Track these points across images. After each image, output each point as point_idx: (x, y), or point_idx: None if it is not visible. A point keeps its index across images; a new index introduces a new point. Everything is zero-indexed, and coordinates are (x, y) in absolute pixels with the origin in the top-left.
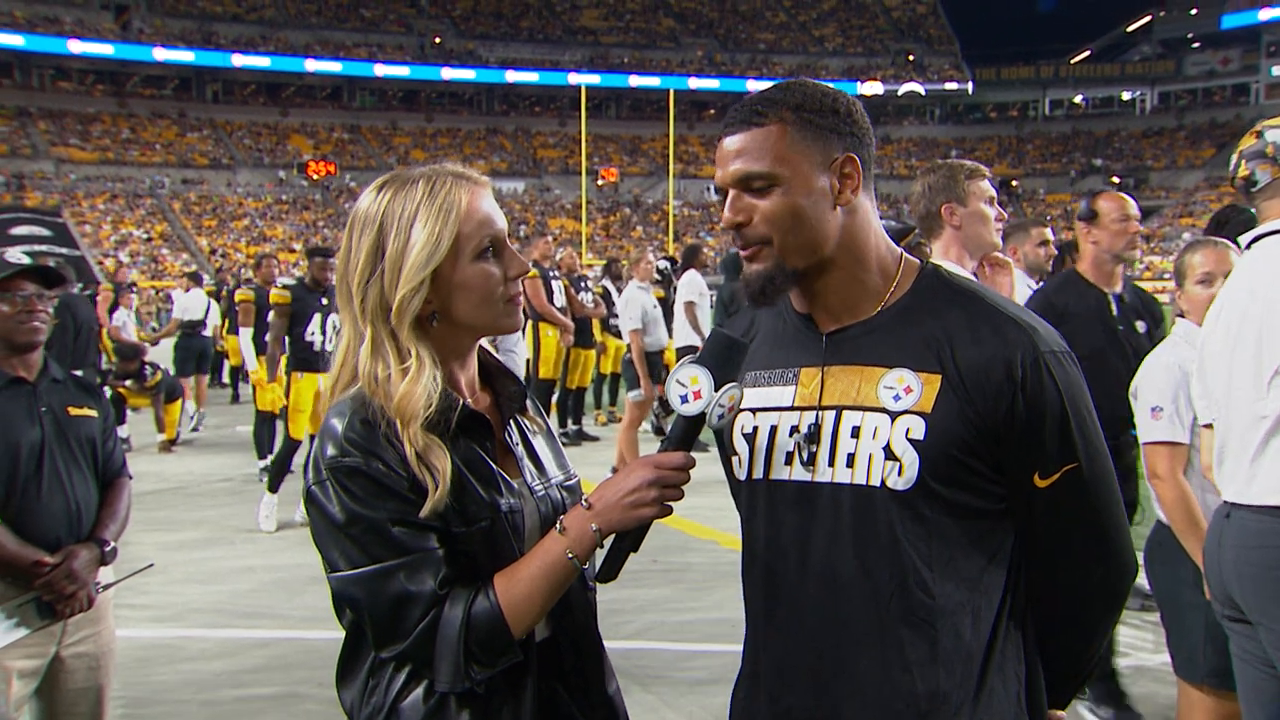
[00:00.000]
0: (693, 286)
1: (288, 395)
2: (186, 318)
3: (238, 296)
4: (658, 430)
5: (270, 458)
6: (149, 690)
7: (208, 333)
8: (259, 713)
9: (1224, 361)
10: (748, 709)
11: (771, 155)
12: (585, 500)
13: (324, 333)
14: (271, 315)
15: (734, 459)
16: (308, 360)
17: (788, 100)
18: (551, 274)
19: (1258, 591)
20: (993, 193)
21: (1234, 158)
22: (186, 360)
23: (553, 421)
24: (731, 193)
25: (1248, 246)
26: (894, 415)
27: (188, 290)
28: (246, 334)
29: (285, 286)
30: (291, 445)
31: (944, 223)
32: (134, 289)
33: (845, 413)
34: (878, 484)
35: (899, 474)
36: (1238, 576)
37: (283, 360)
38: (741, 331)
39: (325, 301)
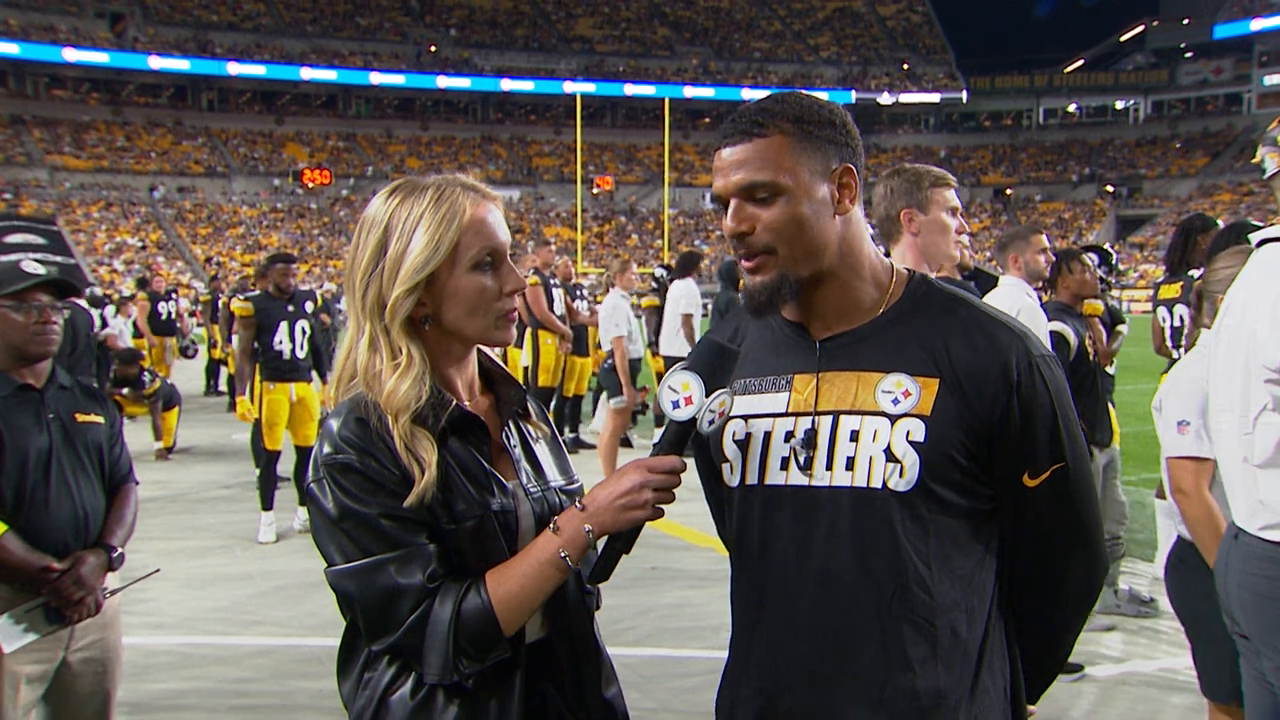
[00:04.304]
0: (692, 298)
1: (260, 408)
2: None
3: (233, 306)
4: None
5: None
6: (151, 697)
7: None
8: (261, 719)
9: (1221, 381)
10: (735, 709)
11: (775, 165)
12: (579, 502)
13: (293, 340)
14: (236, 327)
15: (725, 465)
16: (278, 370)
17: (787, 111)
18: (552, 281)
19: (1259, 618)
20: (957, 204)
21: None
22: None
23: None
24: (734, 202)
25: (1258, 246)
26: (893, 418)
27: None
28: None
29: (247, 297)
30: (271, 457)
31: (902, 229)
32: (133, 298)
33: (843, 417)
34: (879, 485)
35: (900, 475)
36: (1240, 601)
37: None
38: (727, 338)
39: (291, 309)
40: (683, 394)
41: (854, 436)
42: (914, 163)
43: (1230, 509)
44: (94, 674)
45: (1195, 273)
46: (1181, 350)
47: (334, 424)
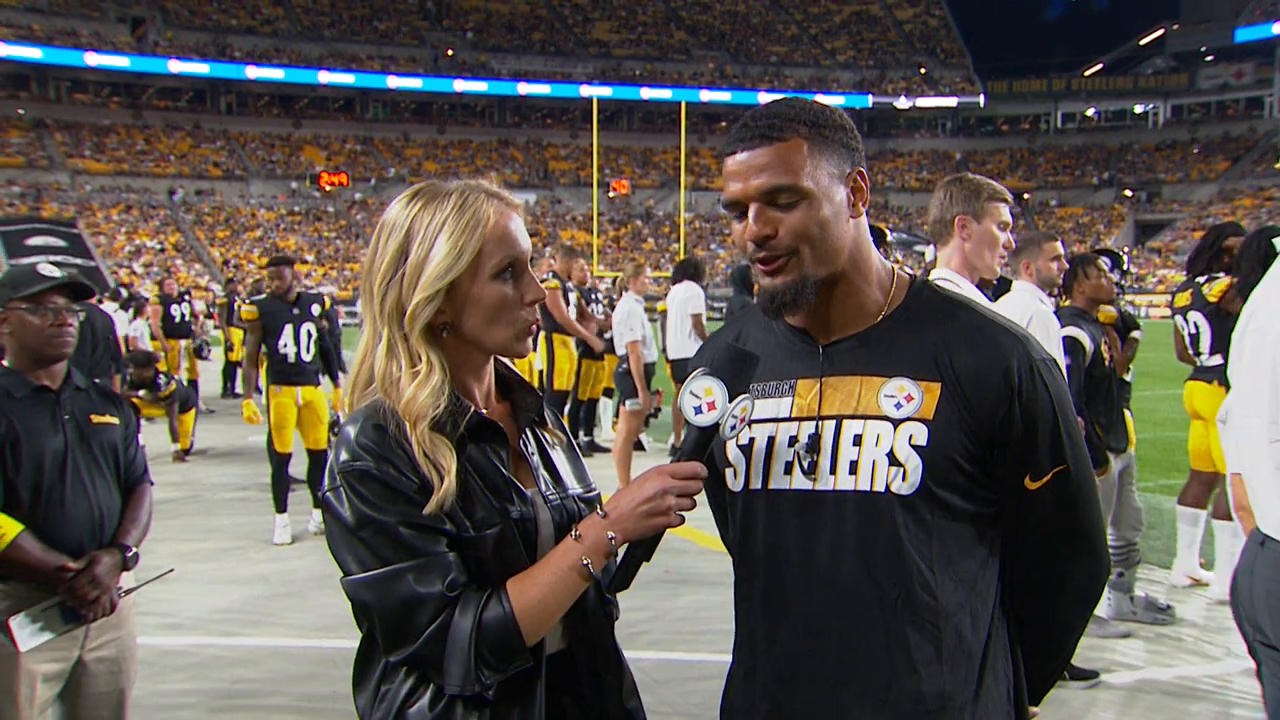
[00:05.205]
0: (698, 299)
1: (269, 411)
2: None
3: (242, 311)
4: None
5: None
6: (163, 698)
7: None
8: None
9: (1246, 387)
10: (741, 712)
11: (797, 169)
12: (601, 509)
13: (298, 343)
14: (244, 332)
15: (729, 470)
16: (285, 373)
17: (802, 115)
18: (567, 285)
19: None
20: (1008, 219)
21: None
22: None
23: None
24: (754, 207)
25: None
26: (896, 423)
27: None
28: None
29: (253, 301)
30: (281, 459)
31: (954, 233)
32: (148, 301)
33: (846, 422)
34: (882, 489)
35: (903, 479)
36: (1267, 609)
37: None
38: (730, 340)
39: (297, 312)
40: (705, 399)
41: (857, 441)
42: (934, 168)
43: (1257, 516)
44: (109, 673)
45: (1202, 279)
46: (1204, 356)
47: (351, 431)
